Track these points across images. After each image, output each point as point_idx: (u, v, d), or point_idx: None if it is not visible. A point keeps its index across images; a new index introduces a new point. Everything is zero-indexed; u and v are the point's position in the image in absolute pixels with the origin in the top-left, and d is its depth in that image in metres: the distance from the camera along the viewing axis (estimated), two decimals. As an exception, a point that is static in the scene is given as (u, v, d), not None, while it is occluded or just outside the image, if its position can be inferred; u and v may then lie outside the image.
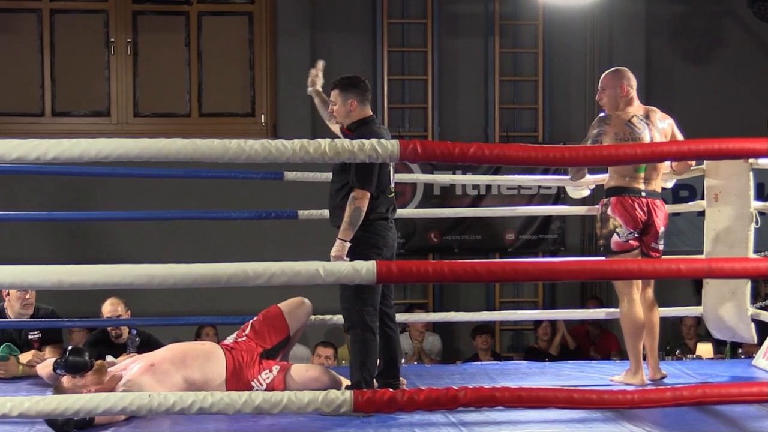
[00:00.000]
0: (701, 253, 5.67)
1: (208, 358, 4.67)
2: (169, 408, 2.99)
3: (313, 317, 5.23)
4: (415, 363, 7.95)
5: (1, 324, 5.69)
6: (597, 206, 5.15)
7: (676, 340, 8.50)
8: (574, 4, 9.04)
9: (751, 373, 5.47)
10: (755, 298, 6.93)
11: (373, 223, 4.55)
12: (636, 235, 4.97)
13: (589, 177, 5.42)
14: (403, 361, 5.39)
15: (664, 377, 5.10)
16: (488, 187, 9.31)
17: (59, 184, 8.52)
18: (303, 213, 5.90)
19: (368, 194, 4.47)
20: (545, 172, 8.57)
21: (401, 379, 4.78)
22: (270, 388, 4.59)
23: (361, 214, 4.45)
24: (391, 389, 3.18)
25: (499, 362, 7.48)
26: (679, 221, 8.91)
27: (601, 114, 5.08)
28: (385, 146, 3.11)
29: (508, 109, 9.66)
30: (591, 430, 4.10)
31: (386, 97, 9.39)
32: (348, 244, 4.43)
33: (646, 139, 4.91)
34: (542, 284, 9.51)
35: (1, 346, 5.32)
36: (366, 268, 3.09)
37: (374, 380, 4.55)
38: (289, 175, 5.90)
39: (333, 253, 4.42)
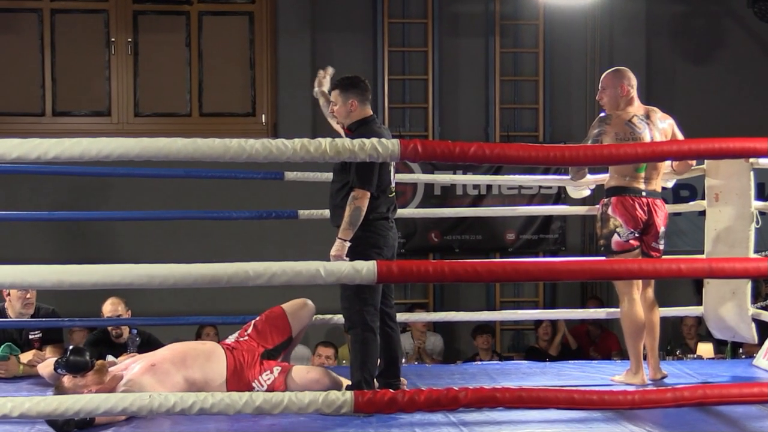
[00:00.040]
0: (702, 252, 5.67)
1: (208, 358, 4.67)
2: (170, 409, 2.99)
3: (313, 317, 5.23)
4: (416, 363, 7.95)
5: (2, 324, 5.69)
6: (597, 206, 5.14)
7: (677, 339, 8.50)
8: (575, 4, 9.04)
9: (751, 373, 5.46)
10: (756, 297, 6.93)
11: (373, 222, 4.55)
12: (636, 234, 4.96)
13: (589, 177, 5.42)
14: (403, 360, 5.38)
15: (664, 377, 5.10)
16: (489, 187, 9.31)
17: (60, 184, 8.52)
18: (303, 213, 5.90)
19: (368, 194, 4.47)
20: (546, 172, 8.57)
21: (402, 379, 4.77)
22: (271, 389, 4.59)
23: (361, 213, 4.45)
24: (391, 389, 3.18)
25: (499, 362, 7.48)
26: (679, 221, 8.90)
27: (602, 114, 5.08)
28: (386, 145, 3.11)
29: (509, 109, 9.66)
30: (592, 431, 4.10)
31: (387, 96, 9.40)
32: (348, 244, 4.43)
33: (647, 138, 4.91)
34: (543, 284, 9.51)
35: (2, 346, 5.32)
36: (366, 268, 3.09)
37: (375, 380, 4.54)
38: (290, 175, 5.90)
39: (333, 252, 4.43)
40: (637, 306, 5.00)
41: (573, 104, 9.67)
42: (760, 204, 5.45)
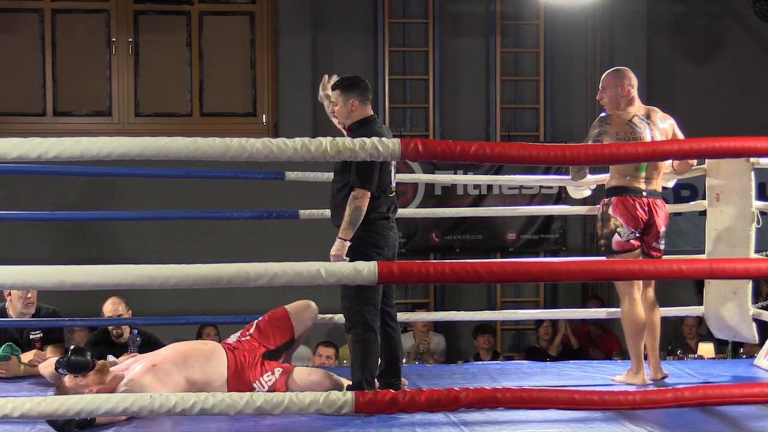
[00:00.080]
0: (703, 252, 5.67)
1: (209, 358, 4.67)
2: (171, 409, 2.99)
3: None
4: (416, 363, 7.95)
5: (3, 324, 5.69)
6: (598, 206, 5.14)
7: (678, 339, 8.50)
8: (576, 4, 9.04)
9: (752, 373, 5.46)
10: (757, 297, 6.93)
11: (374, 222, 4.55)
12: (637, 234, 4.96)
13: (590, 177, 5.42)
14: (404, 360, 5.39)
15: (665, 377, 5.10)
16: (489, 186, 9.31)
17: (60, 184, 8.53)
18: (304, 213, 5.90)
19: (368, 193, 4.47)
20: (546, 171, 8.57)
21: (402, 379, 4.77)
22: (272, 390, 4.59)
23: (361, 213, 4.45)
24: (392, 389, 3.18)
25: (500, 362, 7.48)
26: (680, 221, 8.90)
27: (602, 114, 5.08)
28: (387, 145, 3.11)
29: (510, 109, 9.66)
30: (592, 430, 4.10)
31: (387, 96, 9.40)
32: (348, 243, 4.43)
33: (647, 138, 4.91)
34: (543, 284, 9.50)
35: (3, 346, 5.33)
36: (367, 268, 3.09)
37: (375, 380, 4.54)
38: (291, 175, 5.90)
39: (333, 252, 4.43)
40: (638, 306, 5.00)
41: (574, 104, 9.66)
42: (760, 204, 5.45)
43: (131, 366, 4.58)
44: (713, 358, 7.40)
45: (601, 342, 8.82)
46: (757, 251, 5.45)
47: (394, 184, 4.70)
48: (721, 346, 7.69)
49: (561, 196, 9.01)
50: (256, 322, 4.98)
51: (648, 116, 5.01)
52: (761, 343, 5.68)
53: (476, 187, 9.32)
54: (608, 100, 5.04)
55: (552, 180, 8.03)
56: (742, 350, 7.16)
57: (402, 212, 5.26)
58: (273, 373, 4.68)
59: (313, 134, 8.37)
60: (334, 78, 5.08)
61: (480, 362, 7.62)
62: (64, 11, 9.11)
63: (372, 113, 4.70)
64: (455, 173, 8.97)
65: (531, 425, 4.14)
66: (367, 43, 9.47)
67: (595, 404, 3.37)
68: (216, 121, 9.16)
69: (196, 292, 8.13)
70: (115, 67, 9.11)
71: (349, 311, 4.55)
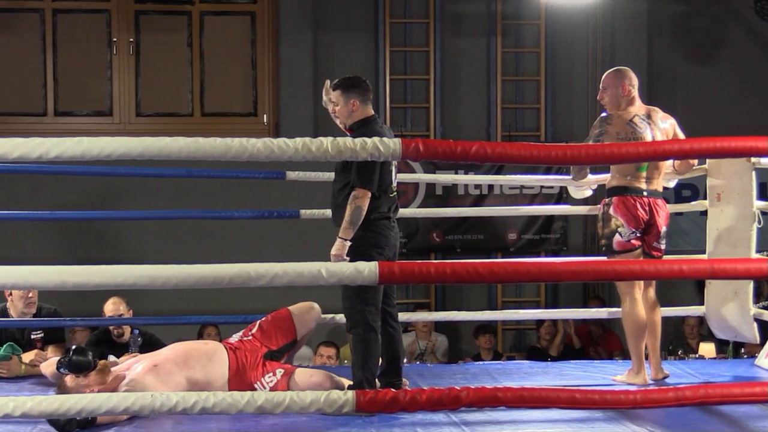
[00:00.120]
0: (704, 252, 5.66)
1: (210, 358, 4.68)
2: (172, 408, 2.99)
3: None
4: (417, 363, 7.95)
5: (4, 323, 5.69)
6: (599, 206, 5.14)
7: (679, 339, 8.50)
8: (576, 4, 9.04)
9: (753, 373, 5.46)
10: (758, 297, 6.93)
11: (374, 222, 4.55)
12: (638, 234, 4.96)
13: (591, 177, 5.42)
14: (405, 360, 5.39)
15: (666, 377, 5.10)
16: (490, 186, 9.31)
17: (61, 184, 8.53)
18: (305, 212, 5.90)
19: (369, 193, 4.47)
20: (547, 171, 8.57)
21: (404, 379, 4.77)
22: (273, 391, 4.59)
23: (361, 213, 4.45)
24: (393, 389, 3.18)
25: (501, 362, 7.48)
26: (681, 221, 8.90)
27: (603, 114, 5.08)
28: (387, 145, 3.11)
29: (511, 109, 9.66)
30: (593, 430, 4.10)
31: (388, 96, 9.40)
32: (348, 243, 4.44)
33: (648, 138, 4.91)
34: (544, 284, 9.50)
35: (4, 346, 5.33)
36: (368, 269, 3.09)
37: (376, 380, 4.55)
38: (292, 175, 5.90)
39: (333, 251, 4.43)
40: (639, 306, 5.00)
41: (575, 104, 9.66)
42: (762, 204, 5.45)
43: (132, 366, 4.58)
44: (714, 358, 7.40)
45: (602, 342, 8.82)
46: (758, 251, 5.44)
47: (395, 184, 4.70)
48: (722, 346, 7.69)
49: (562, 196, 9.01)
50: (259, 322, 4.98)
51: (649, 116, 5.01)
52: (762, 343, 5.68)
53: (477, 187, 9.33)
54: (609, 100, 5.04)
55: (553, 180, 8.03)
56: (743, 350, 7.15)
57: (403, 212, 5.26)
58: (274, 374, 4.68)
59: (314, 134, 8.39)
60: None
61: (481, 362, 7.62)
62: (65, 11, 9.11)
63: (373, 113, 4.71)
64: (456, 173, 8.97)
65: (532, 425, 4.14)
66: (368, 43, 9.47)
67: (596, 403, 3.36)
68: (217, 121, 9.15)
69: (197, 292, 8.12)
70: (116, 67, 9.11)
71: (350, 311, 4.55)
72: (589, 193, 5.68)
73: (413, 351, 8.48)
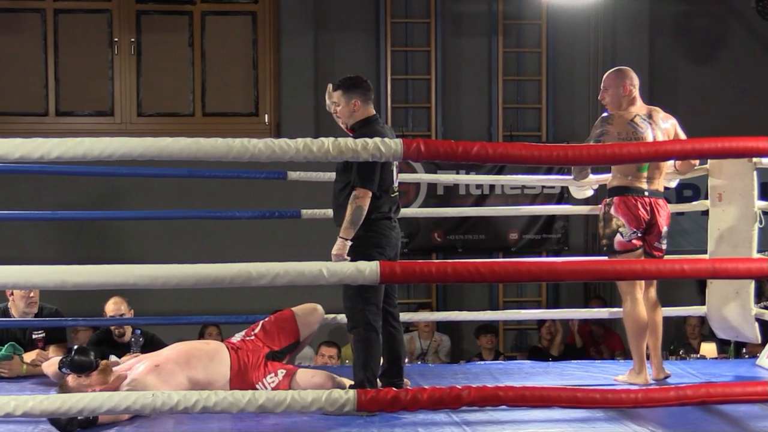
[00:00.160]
0: (705, 252, 5.66)
1: (212, 358, 4.68)
2: (173, 407, 2.99)
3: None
4: (419, 363, 7.95)
5: (6, 323, 5.70)
6: (600, 206, 5.14)
7: (680, 339, 8.50)
8: (578, 4, 9.04)
9: (754, 373, 5.46)
10: (759, 297, 6.92)
11: (375, 222, 4.55)
12: (639, 234, 4.96)
13: (592, 177, 5.42)
14: (406, 360, 5.39)
15: (667, 377, 5.10)
16: (492, 186, 9.31)
17: (63, 184, 8.53)
18: (306, 212, 5.90)
19: (369, 193, 4.47)
20: (548, 171, 8.57)
21: (405, 379, 4.77)
22: (275, 390, 4.59)
23: (362, 212, 4.45)
24: (394, 388, 3.18)
25: (502, 362, 7.48)
26: (682, 221, 8.90)
27: (604, 114, 5.08)
28: (389, 145, 3.11)
29: (512, 109, 9.66)
30: (595, 430, 4.10)
31: (389, 96, 9.40)
32: (349, 243, 4.44)
33: (649, 138, 4.91)
34: (546, 284, 9.50)
35: (5, 346, 5.33)
36: (369, 268, 3.09)
37: (377, 380, 4.55)
38: (293, 175, 5.90)
39: (334, 251, 4.43)
40: (640, 306, 5.00)
41: (576, 104, 9.66)
42: (763, 204, 5.45)
43: (134, 366, 4.58)
44: (716, 358, 7.40)
45: (603, 342, 8.82)
46: (759, 251, 5.44)
47: (396, 184, 4.70)
48: (723, 346, 7.69)
49: (563, 196, 9.02)
50: (262, 322, 4.97)
51: (650, 116, 5.01)
52: (764, 343, 5.68)
53: (478, 186, 9.33)
54: (610, 100, 5.04)
55: (554, 180, 8.03)
56: (744, 350, 7.15)
57: (404, 212, 5.27)
58: (276, 375, 4.68)
59: (315, 134, 8.40)
60: None
61: (482, 362, 7.62)
62: (67, 11, 9.12)
63: (374, 113, 4.71)
64: (457, 173, 8.97)
65: (533, 424, 4.14)
66: (369, 42, 9.47)
67: (597, 403, 3.36)
68: (218, 121, 9.16)
69: (198, 292, 8.14)
70: (117, 67, 9.12)
71: (351, 311, 4.55)
72: (590, 193, 5.68)
73: (414, 351, 8.47)
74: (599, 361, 6.63)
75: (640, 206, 4.94)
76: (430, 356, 8.52)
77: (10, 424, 3.89)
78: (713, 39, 9.79)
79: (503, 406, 3.27)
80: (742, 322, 5.51)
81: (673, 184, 5.55)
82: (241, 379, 4.65)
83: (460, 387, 3.10)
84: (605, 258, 4.97)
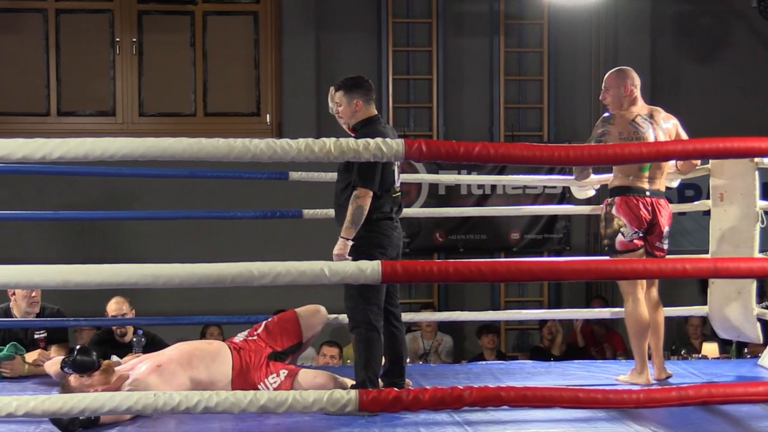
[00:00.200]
0: (707, 252, 5.66)
1: (214, 358, 4.68)
2: (175, 407, 2.99)
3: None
4: (420, 363, 7.95)
5: (8, 323, 5.70)
6: (601, 206, 5.14)
7: (682, 339, 8.50)
8: (579, 4, 9.03)
9: (756, 373, 5.46)
10: (761, 297, 6.91)
11: (377, 222, 4.55)
12: (641, 234, 4.96)
13: (593, 177, 5.42)
14: (408, 360, 5.39)
15: (669, 377, 5.10)
16: (493, 186, 9.31)
17: (64, 184, 8.54)
18: (308, 212, 5.91)
19: (370, 193, 4.47)
20: (550, 171, 8.57)
21: (407, 380, 4.77)
22: (277, 391, 4.59)
23: (363, 212, 4.45)
24: (396, 388, 3.18)
25: (504, 362, 7.48)
26: (684, 220, 8.90)
27: (605, 114, 5.08)
28: (390, 145, 3.11)
29: (513, 109, 9.66)
30: (596, 430, 4.10)
31: (391, 96, 9.40)
32: (350, 243, 4.44)
33: (650, 138, 4.91)
34: (547, 284, 9.51)
35: (7, 345, 5.34)
36: (371, 267, 3.09)
37: (379, 380, 4.55)
38: (294, 175, 5.90)
39: (335, 251, 4.43)
40: (642, 306, 4.99)
41: (577, 104, 9.66)
42: (765, 204, 5.44)
43: (136, 366, 4.58)
44: (717, 358, 7.40)
45: (605, 342, 8.82)
46: (761, 251, 5.44)
47: (398, 184, 4.70)
48: (725, 346, 7.68)
49: (565, 196, 9.02)
50: (265, 323, 4.97)
51: (651, 116, 5.01)
52: (765, 343, 5.67)
53: (480, 186, 9.33)
54: (611, 100, 5.04)
55: (556, 180, 8.03)
56: (746, 350, 7.15)
57: (406, 212, 5.27)
58: (278, 375, 4.68)
59: (317, 134, 8.41)
60: None
61: (484, 362, 7.62)
62: (68, 11, 9.12)
63: (376, 113, 4.71)
64: (459, 173, 8.97)
65: (535, 424, 4.14)
66: (371, 42, 9.47)
67: (599, 403, 3.36)
68: (220, 121, 9.16)
69: (200, 291, 8.14)
70: (118, 67, 9.12)
71: (352, 311, 4.55)
72: (592, 193, 5.68)
73: (417, 350, 8.47)
74: (601, 361, 6.63)
75: (641, 206, 4.94)
76: (431, 356, 8.52)
77: (12, 423, 3.90)
78: (715, 39, 9.78)
79: (505, 406, 3.27)
80: (744, 322, 5.51)
81: (674, 184, 5.55)
82: (243, 379, 4.66)
83: (461, 387, 3.10)
84: (607, 258, 4.97)
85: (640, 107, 5.02)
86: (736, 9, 9.70)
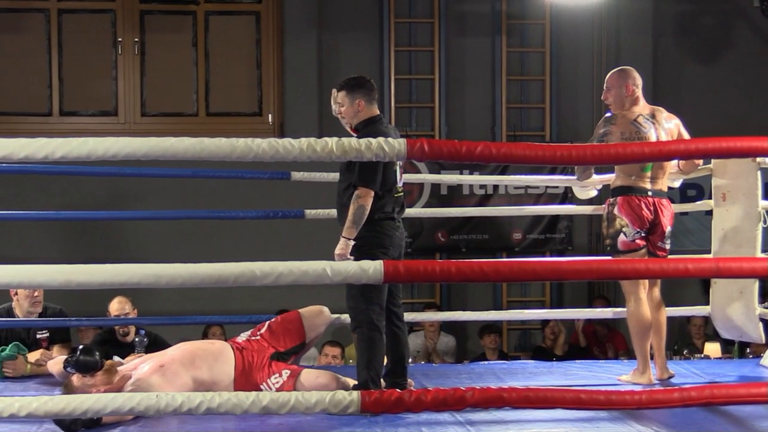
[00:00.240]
0: (709, 252, 5.66)
1: (217, 358, 4.68)
2: (177, 408, 2.99)
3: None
4: (423, 363, 7.95)
5: (10, 323, 5.70)
6: (603, 206, 5.14)
7: (684, 339, 8.49)
8: (581, 4, 9.03)
9: (759, 373, 5.46)
10: (763, 297, 6.91)
11: (379, 222, 4.55)
12: (643, 234, 4.96)
13: (595, 177, 5.41)
14: (410, 360, 5.39)
15: (671, 377, 5.09)
16: (495, 186, 9.31)
17: (67, 184, 8.55)
18: (310, 212, 5.90)
19: (372, 192, 4.47)
20: (552, 171, 8.57)
21: (409, 380, 4.77)
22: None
23: (364, 212, 4.45)
24: (398, 389, 3.17)
25: (506, 362, 7.47)
26: (686, 220, 8.89)
27: (607, 114, 5.08)
28: (392, 145, 3.11)
29: (515, 109, 9.66)
30: (599, 430, 4.09)
31: (393, 96, 9.40)
32: (352, 242, 4.44)
33: (652, 138, 4.90)
34: (549, 284, 9.50)
35: (10, 345, 5.34)
36: (373, 267, 3.09)
37: (381, 379, 4.54)
38: (296, 175, 5.90)
39: (337, 251, 4.43)
40: (644, 306, 4.99)
41: (580, 103, 9.66)
42: (767, 204, 5.44)
43: (139, 366, 4.59)
44: (720, 358, 7.39)
45: (607, 342, 8.82)
46: (763, 251, 5.44)
47: (400, 184, 4.70)
48: (727, 346, 7.68)
49: (567, 196, 9.01)
50: (268, 323, 4.97)
51: (653, 116, 5.01)
52: (768, 343, 5.67)
53: (482, 186, 9.33)
54: (613, 100, 5.04)
55: (558, 180, 8.03)
56: (748, 350, 7.15)
57: (408, 212, 5.26)
58: (281, 375, 4.68)
59: (319, 134, 8.41)
60: None
61: (486, 362, 7.62)
62: (71, 11, 9.12)
63: (378, 113, 4.71)
64: (461, 173, 8.98)
65: (537, 425, 4.14)
66: (373, 42, 9.47)
67: (601, 404, 3.36)
68: (222, 121, 9.16)
69: (202, 291, 8.15)
70: (121, 67, 9.13)
71: (354, 311, 4.56)
72: (594, 193, 5.67)
73: (425, 351, 8.47)
74: (603, 361, 6.63)
75: (643, 206, 4.93)
76: (433, 356, 8.52)
77: (14, 423, 3.90)
78: (717, 39, 9.78)
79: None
80: (746, 322, 5.51)
81: (676, 184, 5.54)
82: (245, 379, 4.65)
83: (464, 388, 3.10)
84: (609, 258, 4.97)
85: (642, 107, 5.02)
86: (738, 9, 9.70)
